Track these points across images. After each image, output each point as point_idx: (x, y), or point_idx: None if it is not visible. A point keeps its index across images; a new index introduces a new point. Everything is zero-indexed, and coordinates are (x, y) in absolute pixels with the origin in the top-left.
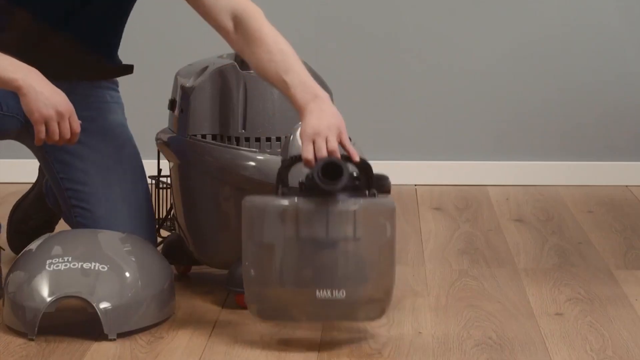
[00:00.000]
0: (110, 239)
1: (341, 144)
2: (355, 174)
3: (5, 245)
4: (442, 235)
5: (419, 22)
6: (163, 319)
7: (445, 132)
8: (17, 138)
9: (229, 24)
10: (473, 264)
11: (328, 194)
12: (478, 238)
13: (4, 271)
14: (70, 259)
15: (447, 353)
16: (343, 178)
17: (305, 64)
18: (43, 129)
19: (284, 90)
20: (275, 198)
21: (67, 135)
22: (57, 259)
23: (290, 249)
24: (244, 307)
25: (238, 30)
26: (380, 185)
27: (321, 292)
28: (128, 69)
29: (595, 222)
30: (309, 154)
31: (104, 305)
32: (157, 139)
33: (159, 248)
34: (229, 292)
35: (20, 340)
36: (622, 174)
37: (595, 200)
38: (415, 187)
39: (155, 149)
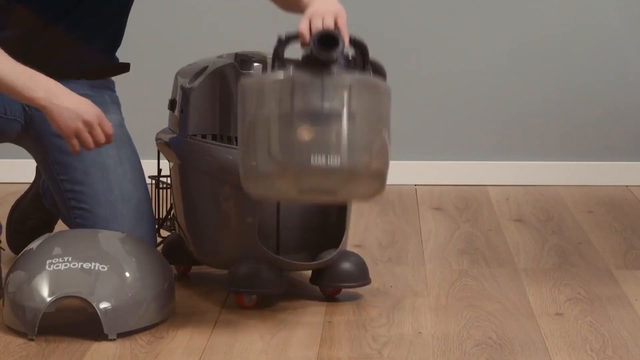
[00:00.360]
0: (110, 239)
1: (337, 25)
2: (350, 57)
3: (5, 246)
4: (442, 235)
5: (419, 22)
6: (163, 319)
7: (445, 132)
8: (16, 141)
9: None
10: (473, 264)
11: (324, 65)
12: (478, 238)
13: (4, 271)
14: (70, 259)
15: (447, 353)
16: (339, 48)
17: None
18: (76, 142)
19: (303, 7)
20: (271, 73)
21: (101, 140)
22: (57, 259)
23: (285, 121)
24: (244, 307)
25: None
26: (377, 68)
27: (315, 157)
28: (125, 68)
29: (595, 222)
30: (304, 28)
31: (104, 305)
32: (157, 139)
33: (159, 248)
34: (229, 292)
35: (20, 340)
36: (622, 174)
37: (595, 200)
38: (415, 187)
39: (155, 149)
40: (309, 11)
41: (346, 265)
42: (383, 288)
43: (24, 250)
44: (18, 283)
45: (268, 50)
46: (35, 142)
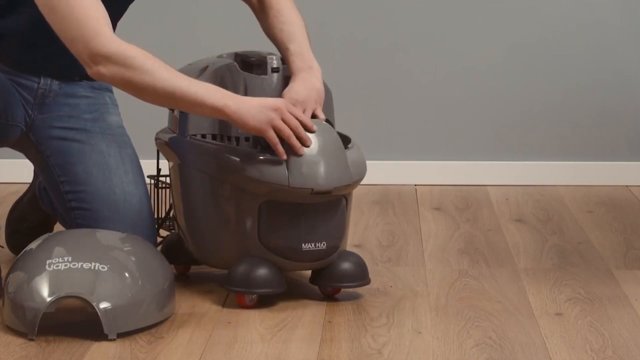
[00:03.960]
0: (110, 239)
1: (314, 114)
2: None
3: (5, 245)
4: (442, 235)
5: (419, 22)
6: (163, 318)
7: (445, 132)
8: (15, 145)
9: None
10: (473, 264)
11: None
12: (478, 238)
13: (4, 271)
14: (70, 259)
15: (447, 353)
16: None
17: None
18: (273, 133)
19: (285, 56)
20: None
21: (295, 123)
22: (58, 259)
23: None
24: (244, 307)
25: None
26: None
27: None
28: None
29: (595, 222)
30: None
31: (104, 305)
32: (156, 139)
33: (159, 248)
34: (229, 292)
35: (20, 340)
36: (622, 174)
37: (595, 200)
38: (415, 187)
39: (154, 148)
40: (293, 91)
41: (346, 265)
42: (383, 288)
43: (24, 251)
44: (18, 283)
45: (268, 50)
46: (36, 146)
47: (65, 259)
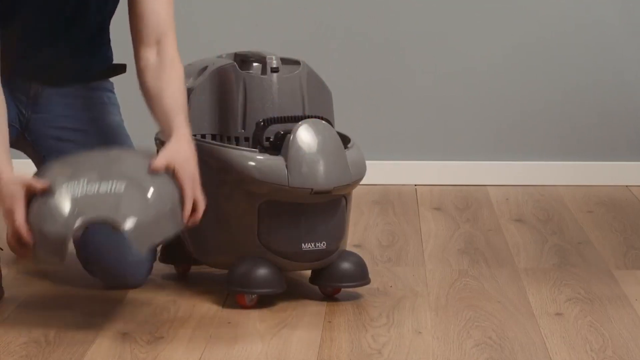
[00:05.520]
0: (117, 155)
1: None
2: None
3: (5, 246)
4: (442, 235)
5: (419, 22)
6: (177, 231)
7: (445, 132)
8: (13, 145)
9: (153, 50)
10: (473, 264)
11: None
12: (478, 238)
13: (4, 271)
14: (86, 181)
15: (447, 353)
16: None
17: (304, 63)
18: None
19: (165, 120)
20: None
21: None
22: (74, 182)
23: None
24: (244, 307)
25: (158, 55)
26: None
27: None
28: (122, 69)
29: (595, 222)
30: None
31: (130, 223)
32: (156, 139)
33: (159, 248)
34: (229, 292)
35: (20, 340)
36: (622, 174)
37: (595, 200)
38: (415, 187)
39: (154, 149)
40: (174, 151)
41: (346, 265)
42: (383, 288)
43: (36, 175)
44: (40, 212)
45: (268, 50)
46: (33, 146)
47: (82, 180)
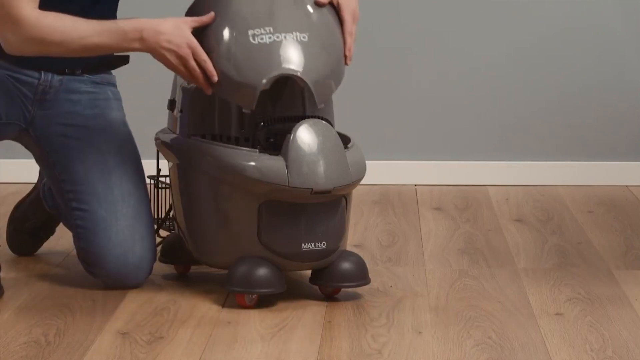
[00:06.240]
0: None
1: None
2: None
3: (4, 243)
4: (442, 235)
5: (419, 22)
6: (343, 71)
7: (445, 132)
8: (17, 139)
9: None
10: (473, 264)
11: None
12: (478, 238)
13: (4, 272)
14: (271, 30)
15: (447, 353)
16: None
17: None
18: (183, 70)
19: None
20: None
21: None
22: (260, 30)
23: None
24: (244, 307)
25: None
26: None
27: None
28: (124, 60)
29: (595, 222)
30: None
31: (314, 78)
32: (156, 139)
33: (159, 248)
34: (229, 292)
35: (20, 340)
36: (622, 174)
37: (595, 200)
38: (415, 187)
39: (154, 149)
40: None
41: (346, 265)
42: (383, 288)
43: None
44: (229, 59)
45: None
46: (36, 143)
47: (267, 29)
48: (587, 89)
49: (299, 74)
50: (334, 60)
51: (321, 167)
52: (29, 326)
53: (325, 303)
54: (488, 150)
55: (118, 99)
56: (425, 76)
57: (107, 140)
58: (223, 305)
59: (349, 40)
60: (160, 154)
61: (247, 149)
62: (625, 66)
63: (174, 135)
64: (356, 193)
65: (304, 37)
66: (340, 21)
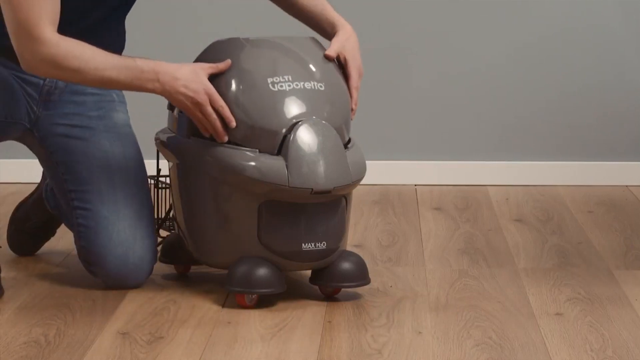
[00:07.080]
0: (306, 48)
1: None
2: None
3: (4, 243)
4: (442, 235)
5: (419, 22)
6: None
7: (445, 132)
8: (19, 139)
9: None
10: (473, 264)
11: None
12: (478, 238)
13: (4, 272)
14: (290, 78)
15: (447, 353)
16: None
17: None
18: (199, 115)
19: (320, 19)
20: None
21: (222, 106)
22: (279, 78)
23: None
24: (244, 307)
25: None
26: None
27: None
28: None
29: (595, 222)
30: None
31: (336, 123)
32: (156, 139)
33: (159, 248)
34: (229, 292)
35: (20, 340)
36: (622, 174)
37: (595, 200)
38: (415, 187)
39: (154, 148)
40: (341, 43)
41: (346, 265)
42: (383, 288)
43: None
44: (249, 105)
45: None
46: (40, 143)
47: (286, 77)
48: (587, 89)
49: (323, 121)
50: (347, 111)
51: (321, 167)
52: (29, 326)
53: (325, 303)
54: (488, 150)
55: (122, 102)
56: (425, 76)
57: (111, 140)
58: (223, 305)
59: (355, 94)
60: (160, 154)
61: (247, 149)
62: (625, 66)
63: (174, 135)
64: (356, 193)
65: (320, 86)
66: (347, 76)
